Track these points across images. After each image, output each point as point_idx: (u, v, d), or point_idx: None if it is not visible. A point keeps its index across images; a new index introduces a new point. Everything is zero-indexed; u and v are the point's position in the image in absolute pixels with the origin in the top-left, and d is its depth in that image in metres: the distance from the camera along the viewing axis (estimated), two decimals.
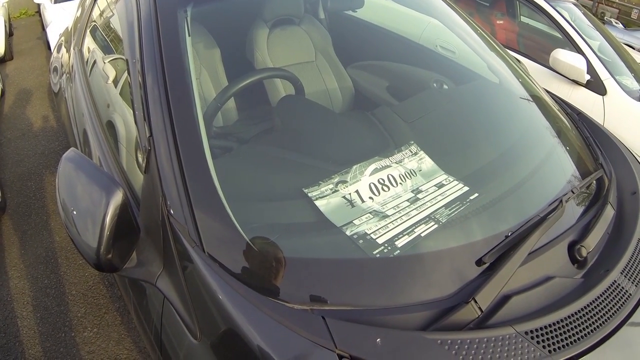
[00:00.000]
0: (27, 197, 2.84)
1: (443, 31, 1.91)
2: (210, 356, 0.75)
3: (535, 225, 0.92)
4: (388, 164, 1.00)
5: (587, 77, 2.91)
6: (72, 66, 2.26)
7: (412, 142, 1.09)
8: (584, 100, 2.95)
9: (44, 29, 5.48)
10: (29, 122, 3.95)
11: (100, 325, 1.92)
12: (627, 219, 1.12)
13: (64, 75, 2.47)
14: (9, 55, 5.79)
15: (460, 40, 1.82)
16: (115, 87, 1.52)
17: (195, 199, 0.83)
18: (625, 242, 1.02)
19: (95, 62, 1.92)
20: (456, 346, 0.69)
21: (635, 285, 0.92)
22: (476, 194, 0.99)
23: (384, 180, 0.95)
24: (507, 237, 0.89)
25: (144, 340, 1.02)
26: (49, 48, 4.78)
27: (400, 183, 0.96)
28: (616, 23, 11.90)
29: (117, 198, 0.80)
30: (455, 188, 0.99)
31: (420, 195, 0.95)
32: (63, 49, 2.75)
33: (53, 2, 5.04)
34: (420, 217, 0.89)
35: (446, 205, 0.93)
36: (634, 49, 8.17)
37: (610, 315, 0.84)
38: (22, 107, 4.28)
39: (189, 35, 1.22)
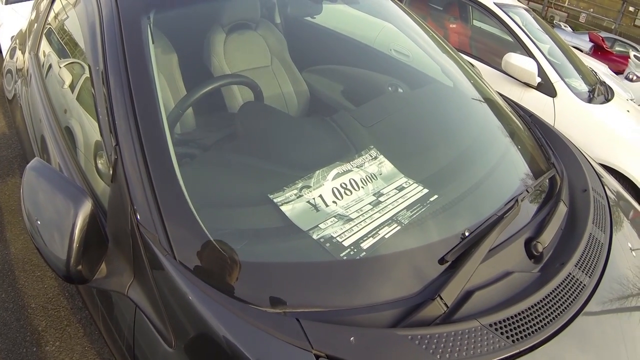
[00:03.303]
0: None
1: (397, 35, 1.97)
2: None
3: (493, 224, 0.98)
4: (349, 169, 1.04)
5: (538, 79, 3.06)
6: (28, 71, 2.18)
7: (372, 146, 1.13)
8: (535, 102, 3.10)
9: None
10: None
11: (63, 338, 1.87)
12: (579, 215, 1.20)
13: (19, 80, 2.38)
14: None
15: (414, 44, 1.89)
16: (76, 93, 1.49)
17: (164, 207, 0.84)
18: (578, 237, 1.09)
19: (53, 67, 1.87)
20: (426, 341, 0.73)
21: (589, 277, 1.00)
22: (436, 196, 1.05)
23: (346, 185, 1.00)
24: (467, 236, 0.95)
25: (114, 353, 1.01)
26: (0, 52, 4.57)
27: (362, 187, 1.01)
28: (565, 27, 12.52)
29: (86, 208, 0.80)
30: (415, 190, 1.05)
31: (382, 199, 0.99)
32: (17, 53, 2.65)
33: (4, 3, 4.83)
34: (383, 220, 0.94)
35: (407, 207, 0.99)
36: (582, 51, 8.64)
37: (567, 305, 0.90)
38: None
39: (152, 43, 1.22)
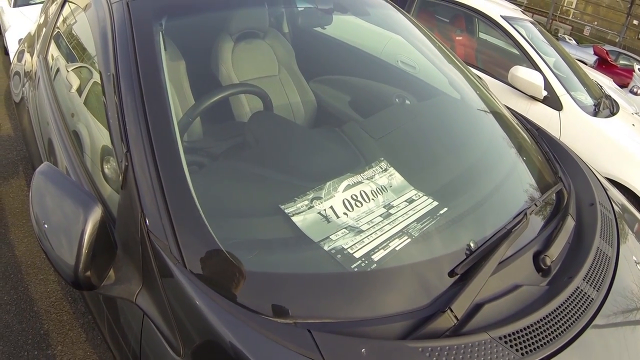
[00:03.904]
0: None
1: (404, 47, 1.98)
2: None
3: (503, 237, 0.98)
4: (360, 180, 1.04)
5: (544, 93, 3.05)
6: (36, 74, 2.19)
7: (382, 158, 1.13)
8: (541, 115, 3.10)
9: (1, 33, 5.27)
10: None
11: (65, 342, 1.86)
12: (586, 229, 1.20)
13: (27, 83, 2.39)
14: None
15: (422, 55, 1.89)
16: (85, 98, 1.49)
17: (175, 215, 0.84)
18: (585, 251, 1.09)
19: (62, 71, 1.88)
20: (437, 353, 0.73)
21: (597, 290, 1.00)
22: (445, 209, 1.04)
23: (356, 196, 0.99)
24: (477, 249, 0.95)
25: (116, 356, 1.01)
26: (7, 53, 4.60)
27: (373, 199, 1.01)
28: (569, 40, 12.56)
29: (96, 215, 0.79)
30: (425, 203, 1.04)
31: (392, 211, 0.99)
32: (25, 56, 2.67)
33: (12, 5, 4.87)
34: (393, 232, 0.94)
35: (418, 220, 0.98)
36: (586, 64, 8.67)
37: (576, 319, 0.90)
38: None
39: (165, 50, 1.22)
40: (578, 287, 0.98)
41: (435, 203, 1.05)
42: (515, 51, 3.32)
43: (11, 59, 3.81)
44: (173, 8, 1.44)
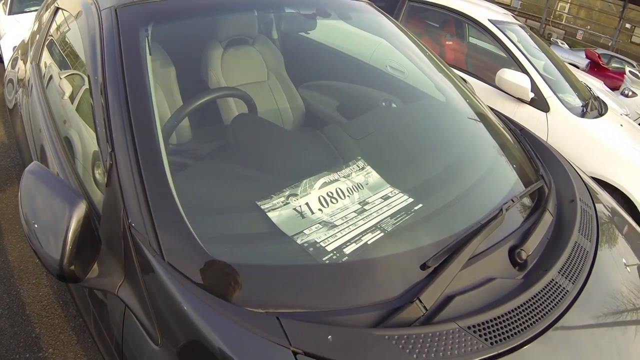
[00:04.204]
0: None
1: (391, 51, 2.02)
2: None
3: (476, 232, 1.00)
4: (336, 178, 1.07)
5: (531, 95, 3.09)
6: (29, 81, 2.23)
7: (359, 157, 1.17)
8: (528, 117, 3.14)
9: None
10: None
11: (56, 345, 1.88)
12: (565, 224, 1.23)
13: (20, 90, 2.43)
14: None
15: (407, 59, 1.93)
16: (75, 103, 1.53)
17: (155, 210, 0.87)
18: (563, 245, 1.12)
19: (54, 77, 1.91)
20: (403, 341, 0.76)
21: (572, 283, 1.02)
22: (420, 205, 1.07)
23: (332, 193, 1.03)
24: (449, 242, 0.97)
25: (103, 353, 1.03)
26: (1, 61, 4.65)
27: (348, 196, 1.04)
28: (562, 44, 12.66)
29: (80, 210, 0.83)
30: (401, 199, 1.08)
31: (367, 207, 1.02)
32: (19, 63, 2.70)
33: (7, 13, 4.91)
34: (367, 227, 0.97)
35: (392, 215, 1.02)
36: (578, 68, 8.75)
37: (549, 310, 0.92)
38: None
39: (150, 54, 1.26)
40: (553, 280, 0.99)
41: (411, 200, 1.08)
42: (504, 54, 3.37)
43: (5, 66, 3.84)
44: (161, 15, 1.47)
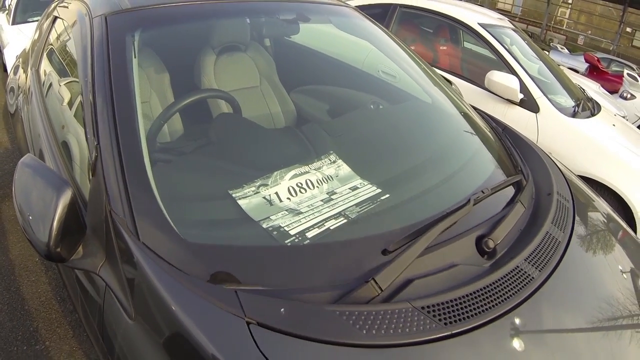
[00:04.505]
0: None
1: (380, 56, 2.08)
2: (143, 332, 0.85)
3: (439, 220, 1.02)
4: (307, 171, 1.14)
5: (520, 96, 3.14)
6: (29, 87, 2.32)
7: (332, 152, 1.23)
8: (518, 118, 3.18)
9: (0, 51, 5.45)
10: None
11: (52, 339, 1.96)
12: (539, 215, 1.24)
13: (20, 96, 2.52)
14: None
15: (394, 63, 2.00)
16: (68, 103, 1.61)
17: (133, 197, 0.95)
18: (533, 234, 1.14)
19: (51, 83, 2.00)
20: (353, 317, 0.79)
21: (539, 271, 1.03)
22: (388, 195, 1.13)
23: (301, 184, 1.09)
24: (411, 230, 1.00)
25: (88, 332, 1.11)
26: (5, 70, 4.76)
27: (317, 186, 1.11)
28: (562, 49, 12.69)
29: (67, 196, 0.92)
30: (369, 190, 1.14)
31: (334, 197, 1.09)
32: (20, 70, 2.81)
33: (10, 23, 5.05)
34: (331, 214, 1.03)
35: (357, 204, 1.08)
36: (578, 72, 8.75)
37: (510, 295, 0.93)
38: None
39: (135, 57, 1.34)
40: (518, 267, 1.01)
41: (379, 190, 1.14)
42: (493, 57, 3.43)
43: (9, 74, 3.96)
44: (149, 22, 1.56)
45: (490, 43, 3.40)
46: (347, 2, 4.51)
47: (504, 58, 3.33)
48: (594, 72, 9.26)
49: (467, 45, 4.12)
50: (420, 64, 2.01)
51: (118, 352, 0.91)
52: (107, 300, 0.95)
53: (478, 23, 3.51)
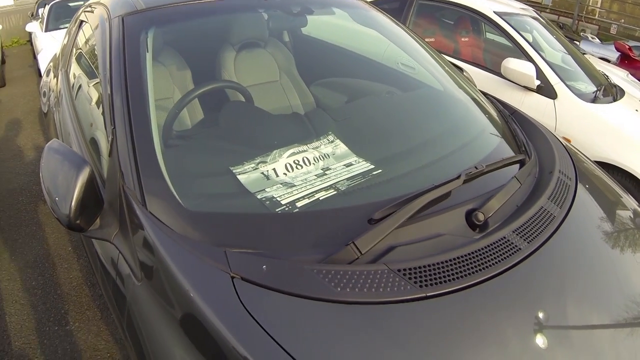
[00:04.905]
0: (18, 210, 3.04)
1: (400, 50, 2.11)
2: (147, 291, 0.95)
3: (426, 191, 1.04)
4: (305, 149, 1.21)
5: (537, 82, 3.10)
6: (59, 87, 2.49)
7: (330, 132, 1.29)
8: (536, 104, 3.15)
9: (35, 57, 5.76)
10: (20, 144, 4.17)
11: (82, 320, 2.09)
12: (537, 192, 1.24)
13: (52, 96, 2.70)
14: (1, 82, 6.08)
15: (410, 56, 2.03)
16: (93, 99, 1.74)
17: (142, 172, 1.06)
18: (526, 208, 1.14)
19: (78, 82, 2.15)
20: (330, 275, 0.85)
21: (528, 243, 1.03)
22: (380, 170, 1.19)
23: (298, 161, 1.16)
24: (398, 200, 1.02)
25: (105, 298, 1.22)
26: (40, 75, 5.03)
27: (313, 163, 1.17)
28: (592, 38, 12.26)
29: (85, 173, 1.04)
30: (363, 166, 1.20)
31: (328, 172, 1.15)
32: (51, 73, 3.00)
33: (44, 30, 5.32)
34: (323, 186, 1.10)
35: (349, 178, 1.14)
36: (609, 62, 8.46)
37: (492, 264, 0.94)
38: (14, 131, 4.51)
39: (149, 52, 1.45)
40: (504, 237, 1.02)
41: (372, 166, 1.19)
42: (510, 45, 3.40)
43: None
44: (161, 20, 1.66)
45: (506, 31, 3.38)
46: None
47: (520, 45, 3.30)
48: (625, 60, 8.94)
49: (488, 35, 4.09)
50: (431, 53, 2.04)
51: (128, 313, 1.00)
52: (120, 266, 1.05)
53: (494, 11, 3.49)
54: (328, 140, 1.27)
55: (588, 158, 1.73)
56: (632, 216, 1.42)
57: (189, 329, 0.85)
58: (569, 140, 2.95)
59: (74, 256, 2.56)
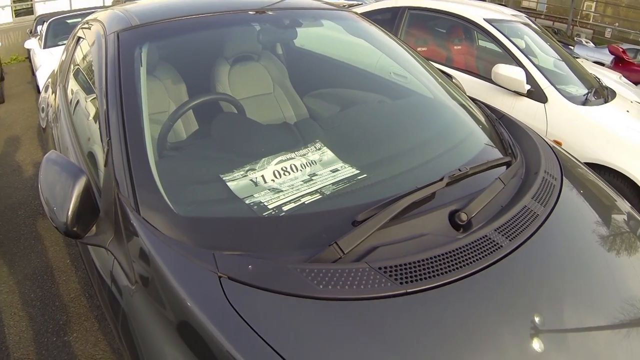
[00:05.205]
0: (17, 224, 3.07)
1: (391, 60, 2.16)
2: (140, 293, 0.98)
3: (408, 193, 1.07)
4: (293, 157, 1.25)
5: (528, 87, 3.14)
6: (57, 103, 2.54)
7: (317, 140, 1.33)
8: (527, 109, 3.18)
9: (33, 74, 5.83)
10: (19, 160, 4.22)
11: (80, 330, 2.12)
12: (522, 192, 1.27)
13: (50, 112, 2.75)
14: (0, 99, 6.13)
15: (401, 65, 2.08)
16: (90, 113, 1.78)
17: (136, 180, 1.10)
18: (510, 208, 1.16)
19: (75, 97, 2.19)
20: (312, 273, 0.89)
21: (509, 240, 1.04)
22: (365, 175, 1.22)
23: (286, 168, 1.20)
24: (381, 202, 1.05)
25: (101, 303, 1.25)
26: (39, 91, 5.09)
27: (300, 170, 1.21)
28: (586, 42, 12.41)
29: (82, 182, 1.08)
30: (348, 171, 1.23)
31: (314, 178, 1.19)
32: (50, 89, 3.05)
33: (42, 47, 5.40)
34: (309, 191, 1.13)
35: (334, 183, 1.17)
36: (603, 65, 8.54)
37: (472, 261, 0.96)
38: (13, 146, 4.57)
39: (142, 66, 1.49)
40: (486, 236, 1.04)
41: (358, 171, 1.23)
42: (501, 51, 3.45)
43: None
44: (155, 36, 1.71)
45: (496, 37, 3.43)
46: (358, 8, 4.63)
47: (510, 51, 3.34)
48: (619, 63, 9.04)
49: (481, 43, 4.14)
50: (420, 61, 2.09)
51: (123, 316, 1.03)
52: (115, 271, 1.09)
53: (484, 19, 3.55)
54: (315, 147, 1.31)
55: (576, 159, 1.76)
56: (619, 216, 1.44)
57: (180, 327, 0.88)
58: (560, 143, 2.98)
59: (72, 268, 2.58)
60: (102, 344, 2.04)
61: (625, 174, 2.76)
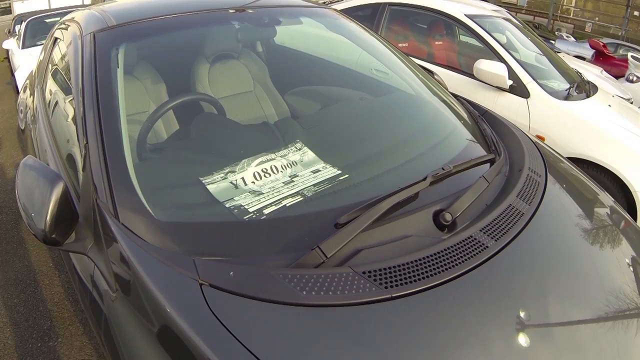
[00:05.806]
0: None
1: (371, 56, 2.16)
2: (121, 300, 0.97)
3: (391, 194, 1.06)
4: (273, 158, 1.24)
5: (510, 82, 3.17)
6: (35, 105, 2.50)
7: (298, 140, 1.33)
8: (509, 104, 3.21)
9: (12, 74, 5.71)
10: None
11: (64, 335, 2.09)
12: (507, 190, 1.27)
13: (29, 113, 2.70)
14: None
15: (381, 62, 2.08)
16: (68, 114, 1.76)
17: (114, 185, 1.09)
18: (494, 207, 1.16)
19: (53, 99, 2.16)
20: (295, 279, 0.87)
21: (495, 240, 1.04)
22: (347, 175, 1.22)
23: (266, 169, 1.20)
24: (363, 204, 1.05)
25: (84, 309, 1.25)
26: (18, 92, 5.00)
27: (281, 171, 1.21)
28: (567, 37, 12.56)
29: (59, 188, 1.07)
30: (329, 172, 1.23)
31: (295, 179, 1.19)
32: (28, 90, 3.00)
33: (21, 47, 5.30)
34: (290, 193, 1.13)
35: (315, 184, 1.17)
36: (584, 59, 8.66)
37: (458, 263, 0.96)
38: None
39: (119, 67, 1.47)
40: (471, 236, 1.03)
41: (339, 172, 1.23)
42: (482, 47, 3.48)
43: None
44: (131, 37, 1.69)
45: (478, 33, 3.46)
46: (338, 4, 4.62)
47: (492, 46, 3.37)
48: (600, 57, 9.17)
49: (462, 38, 4.17)
50: (401, 57, 2.10)
51: (105, 323, 1.03)
52: (96, 278, 1.08)
53: (465, 14, 3.58)
54: (296, 147, 1.31)
55: (559, 154, 1.77)
56: (602, 210, 1.45)
57: (161, 336, 0.88)
58: (542, 138, 3.02)
59: (55, 272, 2.55)
60: (88, 348, 2.02)
61: (608, 167, 2.79)
